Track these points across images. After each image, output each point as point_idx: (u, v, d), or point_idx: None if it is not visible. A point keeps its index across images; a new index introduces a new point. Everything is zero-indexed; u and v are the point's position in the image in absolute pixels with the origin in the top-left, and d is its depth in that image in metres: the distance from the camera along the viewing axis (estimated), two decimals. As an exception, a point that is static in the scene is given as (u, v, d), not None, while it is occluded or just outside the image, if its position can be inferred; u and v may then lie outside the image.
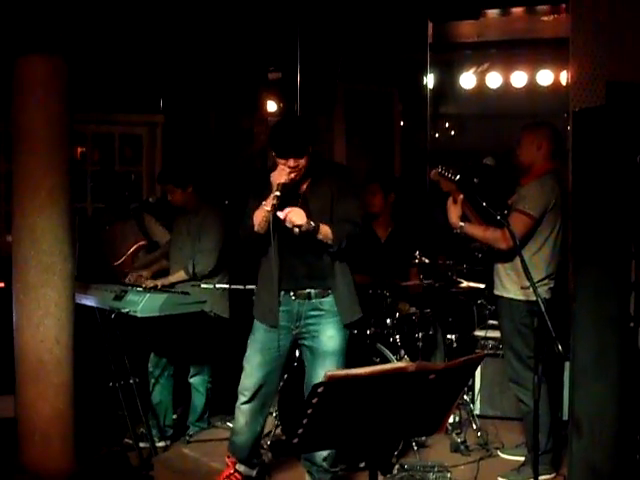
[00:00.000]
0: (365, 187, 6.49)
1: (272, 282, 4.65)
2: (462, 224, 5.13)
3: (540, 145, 5.22)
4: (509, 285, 5.18)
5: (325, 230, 4.47)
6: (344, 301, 4.68)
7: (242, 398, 4.83)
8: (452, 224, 5.15)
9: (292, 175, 4.48)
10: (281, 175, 4.45)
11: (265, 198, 4.49)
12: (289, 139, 4.49)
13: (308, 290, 4.68)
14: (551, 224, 5.13)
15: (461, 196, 5.12)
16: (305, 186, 4.65)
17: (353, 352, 4.86)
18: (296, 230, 4.39)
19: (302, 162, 4.49)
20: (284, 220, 4.39)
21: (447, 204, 5.17)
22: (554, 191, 5.12)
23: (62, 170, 4.60)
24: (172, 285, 5.87)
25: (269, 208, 4.42)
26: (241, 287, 5.93)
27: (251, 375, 4.77)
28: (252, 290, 5.88)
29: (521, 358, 5.14)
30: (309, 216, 4.46)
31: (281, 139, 4.51)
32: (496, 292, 5.32)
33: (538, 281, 5.02)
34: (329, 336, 4.68)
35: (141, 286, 5.71)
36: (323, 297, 4.68)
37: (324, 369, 4.54)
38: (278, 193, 4.40)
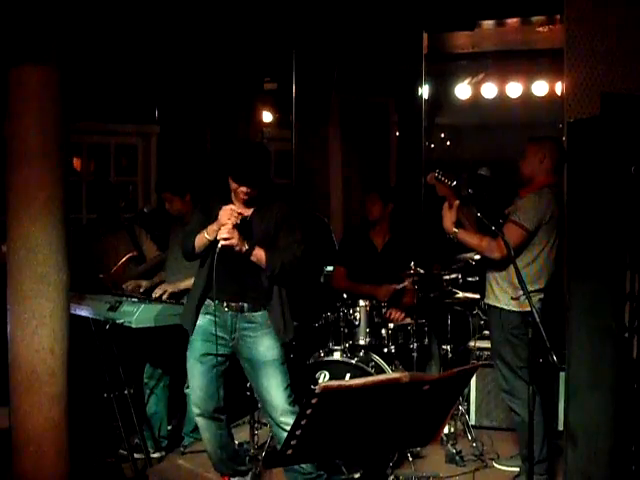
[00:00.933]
0: (364, 196, 6.53)
1: (199, 290, 4.81)
2: (456, 230, 5.13)
3: (543, 158, 5.22)
4: (500, 295, 5.18)
5: (259, 254, 4.64)
6: (277, 321, 4.77)
7: (196, 410, 4.92)
8: (446, 229, 5.16)
9: (241, 215, 4.60)
10: (230, 215, 4.56)
11: (210, 218, 4.66)
12: (249, 169, 4.64)
13: (241, 303, 4.78)
14: (546, 238, 5.10)
15: (457, 202, 5.13)
16: (251, 213, 4.76)
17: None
18: (222, 243, 4.55)
19: (254, 194, 4.66)
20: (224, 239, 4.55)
21: (442, 209, 5.18)
22: (550, 205, 5.09)
23: (57, 180, 4.58)
24: (182, 292, 5.81)
25: (210, 237, 4.61)
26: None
27: (196, 387, 4.85)
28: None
29: (511, 368, 5.14)
30: (251, 238, 4.65)
31: (241, 167, 4.64)
32: (487, 301, 5.33)
33: (529, 292, 5.03)
34: (266, 346, 4.77)
35: (137, 296, 5.69)
36: (255, 311, 4.78)
37: (267, 378, 4.76)
38: (219, 247, 4.54)
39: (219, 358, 4.82)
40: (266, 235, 4.72)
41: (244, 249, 4.57)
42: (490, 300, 5.27)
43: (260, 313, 4.77)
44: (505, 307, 5.11)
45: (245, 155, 4.67)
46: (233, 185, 4.64)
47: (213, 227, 4.58)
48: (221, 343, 4.76)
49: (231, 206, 4.61)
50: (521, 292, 4.76)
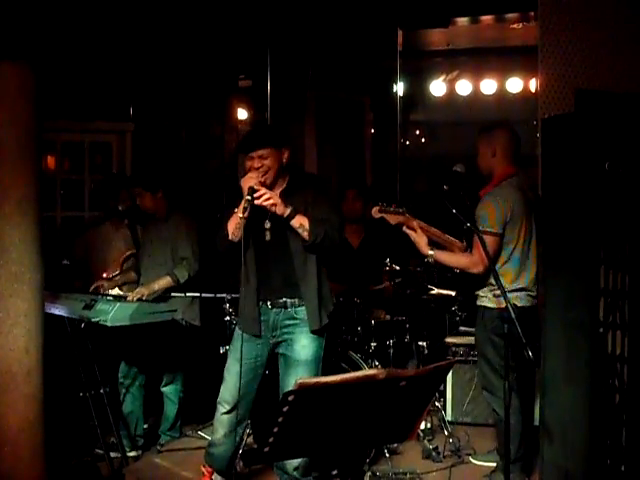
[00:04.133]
0: (343, 194, 6.52)
1: (252, 292, 4.69)
2: (431, 252, 5.05)
3: (495, 151, 5.17)
4: (482, 293, 5.17)
5: (302, 219, 4.48)
6: (313, 309, 4.67)
7: (221, 409, 4.82)
8: (423, 253, 5.09)
9: (260, 177, 4.49)
10: (250, 179, 4.46)
11: (237, 206, 4.49)
12: (254, 133, 4.72)
13: (284, 299, 4.69)
14: (515, 232, 5.06)
15: (415, 222, 5.09)
16: (280, 191, 4.64)
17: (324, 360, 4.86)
18: (267, 236, 4.46)
19: (267, 162, 4.53)
20: (259, 198, 4.38)
21: (409, 237, 5.11)
22: (509, 200, 5.02)
23: (31, 179, 4.55)
24: (157, 292, 5.81)
25: (241, 214, 4.39)
26: (211, 295, 5.92)
27: (231, 386, 4.75)
28: (222, 298, 5.90)
29: (493, 366, 5.13)
30: (280, 226, 4.53)
31: (247, 135, 4.72)
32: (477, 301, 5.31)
33: (517, 289, 5.04)
34: (302, 345, 4.69)
35: (112, 295, 5.68)
36: (298, 306, 4.69)
37: (296, 378, 4.57)
38: (249, 197, 4.39)
39: (259, 361, 4.77)
40: (299, 210, 4.54)
41: (287, 211, 4.42)
42: (477, 299, 5.27)
43: (302, 308, 4.67)
44: (487, 305, 5.10)
45: (250, 129, 4.67)
46: (247, 163, 4.55)
47: (242, 204, 4.41)
48: (262, 342, 4.74)
49: (249, 174, 4.50)
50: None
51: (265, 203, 4.40)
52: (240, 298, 4.88)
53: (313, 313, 4.67)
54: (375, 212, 5.14)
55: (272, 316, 4.72)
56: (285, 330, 4.72)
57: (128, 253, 6.32)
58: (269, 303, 4.71)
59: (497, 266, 4.94)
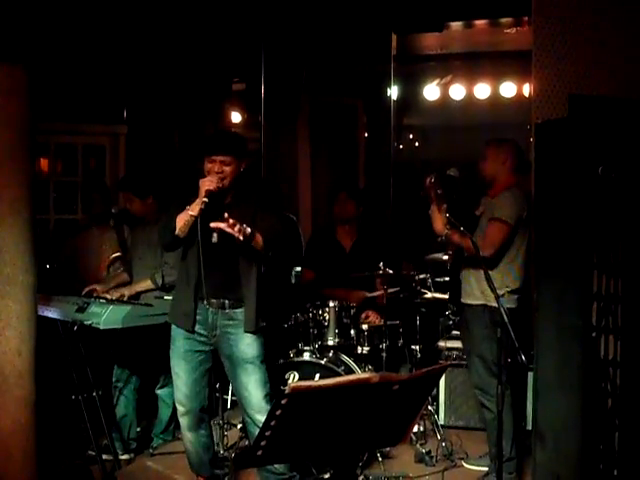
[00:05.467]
0: (336, 194, 6.53)
1: (189, 287, 4.75)
2: (448, 231, 5.15)
3: (505, 160, 5.31)
4: (482, 292, 5.18)
5: (258, 237, 4.54)
6: (250, 310, 4.73)
7: (181, 409, 4.90)
8: (437, 231, 5.21)
9: (219, 182, 4.56)
10: (209, 182, 4.53)
11: (190, 204, 4.57)
12: (221, 137, 4.84)
13: (222, 300, 4.75)
14: (524, 233, 5.20)
15: (444, 206, 5.17)
16: (229, 198, 4.73)
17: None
18: (214, 239, 4.56)
19: (227, 169, 4.62)
20: (224, 221, 4.39)
21: (431, 212, 5.23)
22: (524, 202, 5.20)
23: (24, 181, 4.54)
24: (138, 294, 5.83)
25: (194, 213, 4.52)
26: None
27: (180, 385, 4.85)
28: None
29: (487, 365, 5.17)
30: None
31: (212, 138, 4.80)
32: (467, 300, 5.33)
33: (513, 290, 5.10)
34: (247, 343, 4.75)
35: (105, 297, 5.67)
36: (236, 308, 4.76)
37: (246, 376, 4.75)
38: (205, 199, 4.49)
39: (202, 356, 4.82)
40: (246, 222, 4.57)
41: (247, 231, 4.44)
42: (470, 299, 5.29)
43: (241, 310, 4.74)
44: (488, 304, 5.12)
45: (213, 133, 4.73)
46: (208, 165, 4.62)
47: (196, 202, 4.52)
48: (202, 340, 4.78)
49: (208, 177, 4.58)
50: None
51: (231, 231, 4.38)
52: (175, 292, 5.00)
53: (250, 315, 4.73)
54: (429, 183, 5.24)
55: (210, 315, 4.77)
56: (225, 330, 4.77)
57: (113, 256, 6.33)
58: (206, 302, 4.75)
59: (505, 263, 5.14)
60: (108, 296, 5.69)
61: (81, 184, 7.11)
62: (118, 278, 6.21)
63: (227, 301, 4.75)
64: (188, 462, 5.06)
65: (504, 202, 5.17)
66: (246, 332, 4.73)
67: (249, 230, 4.44)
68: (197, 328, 4.77)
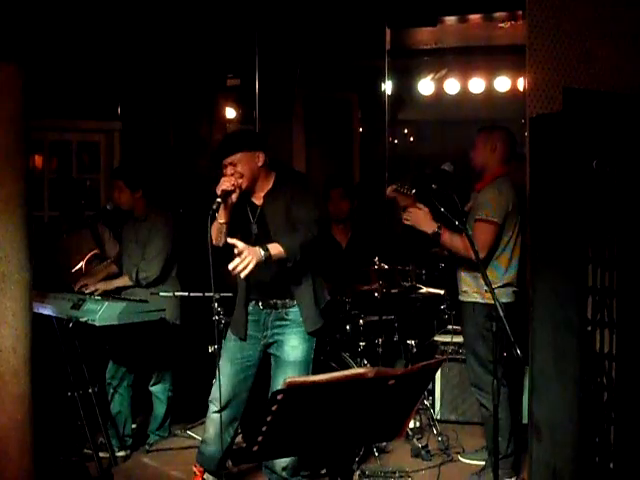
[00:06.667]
0: (329, 193, 6.52)
1: (242, 292, 4.75)
2: (438, 225, 5.06)
3: (495, 147, 5.31)
4: (472, 289, 5.19)
5: (277, 251, 4.36)
6: (307, 310, 4.67)
7: (212, 407, 4.82)
8: (428, 230, 5.09)
9: (235, 182, 4.48)
10: (222, 183, 4.46)
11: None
12: (224, 140, 4.73)
13: (273, 300, 4.70)
14: (511, 226, 5.18)
15: (425, 208, 5.12)
16: (262, 197, 4.67)
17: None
18: (257, 219, 4.59)
19: (238, 169, 4.53)
20: (243, 259, 4.25)
21: (409, 216, 5.13)
22: (510, 194, 5.17)
23: (19, 178, 4.53)
24: (118, 290, 5.89)
25: (222, 220, 4.49)
26: (200, 294, 5.91)
27: (221, 385, 4.73)
28: (211, 297, 5.90)
29: (483, 362, 5.16)
30: (266, 228, 4.57)
31: (220, 142, 4.72)
32: (460, 298, 5.34)
33: (504, 285, 5.08)
34: (292, 346, 4.69)
35: (93, 294, 5.69)
36: (288, 307, 4.70)
37: (285, 377, 4.57)
38: (219, 200, 4.40)
39: (250, 362, 4.78)
40: (280, 221, 4.57)
41: (262, 259, 4.28)
42: (462, 297, 5.30)
43: (292, 309, 4.68)
44: (478, 301, 5.13)
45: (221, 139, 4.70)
46: (223, 171, 4.55)
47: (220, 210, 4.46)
48: (253, 343, 4.75)
49: (223, 178, 4.49)
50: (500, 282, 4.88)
51: (250, 266, 4.24)
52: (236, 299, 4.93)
53: (308, 314, 4.67)
54: (390, 191, 5.19)
55: (263, 316, 4.73)
56: (275, 331, 4.72)
57: (90, 254, 6.34)
58: (260, 303, 4.73)
59: (491, 259, 5.07)
60: (86, 289, 5.78)
61: (49, 181, 7.07)
62: (107, 269, 6.23)
63: (278, 301, 4.69)
64: (198, 453, 4.96)
65: (487, 199, 5.14)
66: (306, 332, 4.67)
67: (262, 253, 4.28)
68: (249, 331, 4.74)
